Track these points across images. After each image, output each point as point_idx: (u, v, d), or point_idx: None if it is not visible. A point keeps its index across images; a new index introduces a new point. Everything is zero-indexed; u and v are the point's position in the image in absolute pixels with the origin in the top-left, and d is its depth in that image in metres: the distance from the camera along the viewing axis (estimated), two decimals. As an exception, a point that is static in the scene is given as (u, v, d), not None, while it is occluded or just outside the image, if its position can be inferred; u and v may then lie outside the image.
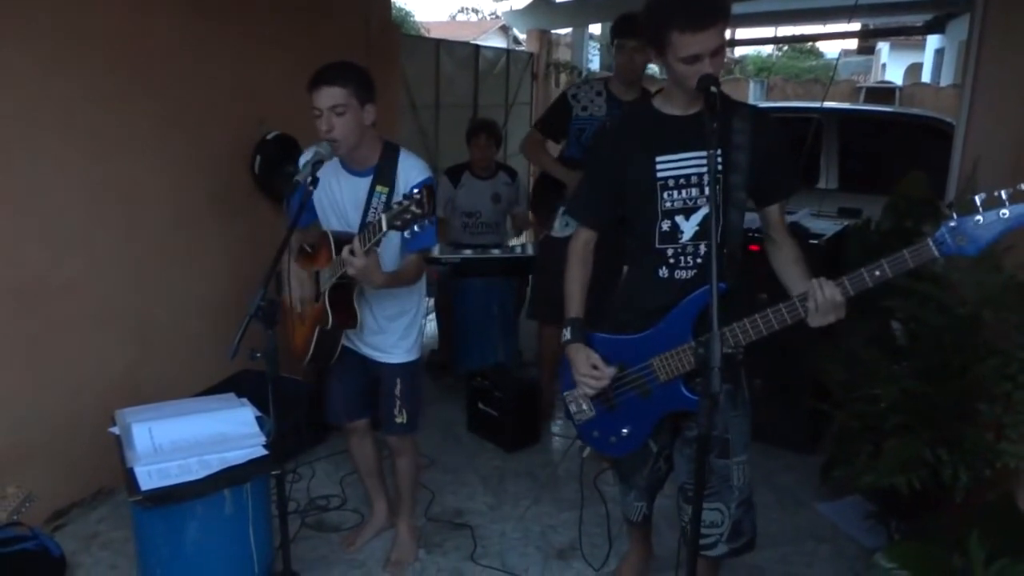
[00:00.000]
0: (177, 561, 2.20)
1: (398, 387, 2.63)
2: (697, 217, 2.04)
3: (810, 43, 25.75)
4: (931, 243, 1.69)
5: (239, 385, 3.21)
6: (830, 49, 33.56)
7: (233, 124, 3.58)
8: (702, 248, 2.04)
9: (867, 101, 10.81)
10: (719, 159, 1.83)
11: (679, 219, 2.04)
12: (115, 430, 2.30)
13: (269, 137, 3.71)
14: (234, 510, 2.21)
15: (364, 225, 2.37)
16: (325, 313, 2.37)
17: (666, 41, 1.89)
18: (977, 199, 1.66)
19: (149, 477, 2.05)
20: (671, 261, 2.05)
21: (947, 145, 4.83)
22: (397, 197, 2.35)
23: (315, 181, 2.22)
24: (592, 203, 2.21)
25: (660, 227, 2.05)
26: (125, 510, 3.06)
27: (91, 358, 3.09)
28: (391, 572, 2.76)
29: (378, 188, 2.41)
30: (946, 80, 13.76)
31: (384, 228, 2.07)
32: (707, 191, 2.01)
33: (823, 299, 1.77)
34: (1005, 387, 2.23)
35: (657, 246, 2.06)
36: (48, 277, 2.89)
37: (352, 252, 2.15)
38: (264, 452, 2.21)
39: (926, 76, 17.86)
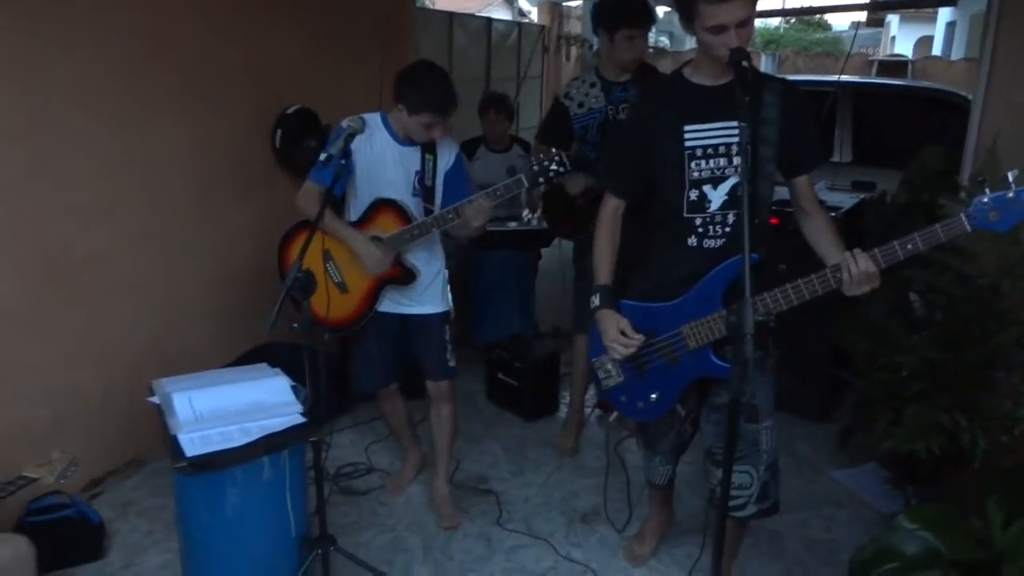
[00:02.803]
0: (217, 526, 2.26)
1: (447, 334, 2.84)
2: (725, 187, 2.07)
3: (818, 15, 25.49)
4: (964, 218, 1.73)
5: (264, 356, 3.25)
6: (838, 21, 33.14)
7: (252, 98, 3.61)
8: (730, 217, 2.08)
9: (879, 74, 10.76)
10: (742, 131, 1.87)
11: (707, 188, 2.08)
12: (154, 399, 2.36)
13: (290, 111, 3.74)
14: (272, 476, 2.27)
15: (424, 187, 2.68)
16: (404, 272, 2.67)
17: (693, 11, 1.91)
18: (1010, 175, 1.70)
19: (192, 444, 2.10)
20: (700, 230, 2.09)
21: (961, 119, 4.83)
22: (442, 161, 2.70)
23: (348, 154, 2.29)
24: (620, 171, 2.25)
25: (688, 196, 2.09)
26: (158, 479, 3.17)
27: (118, 329, 3.15)
28: (448, 525, 2.92)
29: (427, 155, 2.67)
30: (957, 54, 13.65)
31: (526, 184, 2.47)
32: (735, 161, 2.05)
33: (857, 271, 1.82)
34: (1023, 356, 2.28)
35: (685, 215, 2.10)
36: (73, 249, 2.94)
37: (478, 208, 2.47)
38: (302, 419, 2.26)
39: (936, 49, 17.70)
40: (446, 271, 2.88)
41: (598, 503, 3.07)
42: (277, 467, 2.28)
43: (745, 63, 1.87)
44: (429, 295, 2.80)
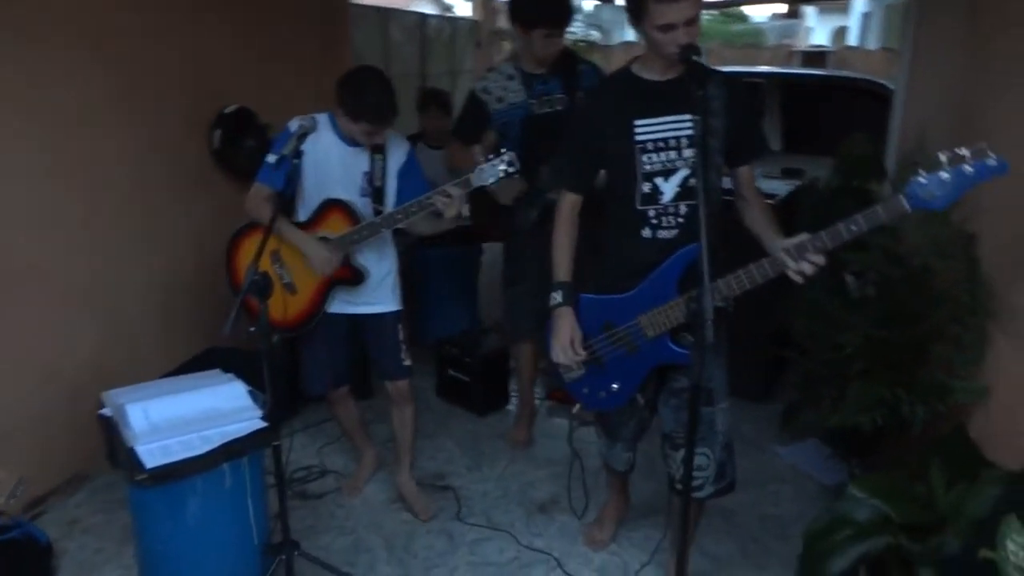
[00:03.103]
0: (179, 538, 2.22)
1: (400, 333, 2.84)
2: (676, 179, 2.13)
3: (737, 6, 26.19)
4: (903, 198, 1.82)
5: (208, 362, 3.20)
6: (756, 13, 34.10)
7: (189, 99, 3.52)
8: (683, 208, 2.14)
9: (803, 64, 11.12)
10: (696, 124, 1.93)
11: (659, 181, 2.14)
12: (107, 411, 2.29)
13: (228, 111, 3.66)
14: (233, 483, 2.24)
15: (372, 187, 2.67)
16: (353, 272, 2.65)
17: (642, 10, 1.97)
18: (943, 156, 1.79)
19: (152, 455, 2.06)
20: (653, 222, 2.15)
21: (882, 107, 5.06)
22: (391, 160, 2.69)
23: (299, 154, 2.28)
24: (575, 167, 2.28)
25: (641, 189, 2.14)
26: (103, 494, 3.08)
27: (57, 341, 3.04)
28: (424, 517, 2.94)
29: (376, 155, 2.66)
30: (872, 43, 14.21)
31: (474, 184, 2.44)
32: (685, 153, 2.11)
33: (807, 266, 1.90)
34: (955, 330, 2.41)
35: (639, 207, 2.15)
36: (8, 260, 2.83)
37: (449, 195, 2.45)
38: (263, 424, 2.24)
39: (852, 39, 18.38)
40: (397, 270, 2.87)
41: (555, 493, 3.12)
42: (238, 474, 2.25)
43: (696, 57, 1.92)
44: (380, 295, 2.79)
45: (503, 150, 2.46)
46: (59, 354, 3.04)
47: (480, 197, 3.10)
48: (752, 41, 20.63)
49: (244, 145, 3.69)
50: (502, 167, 2.43)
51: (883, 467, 2.66)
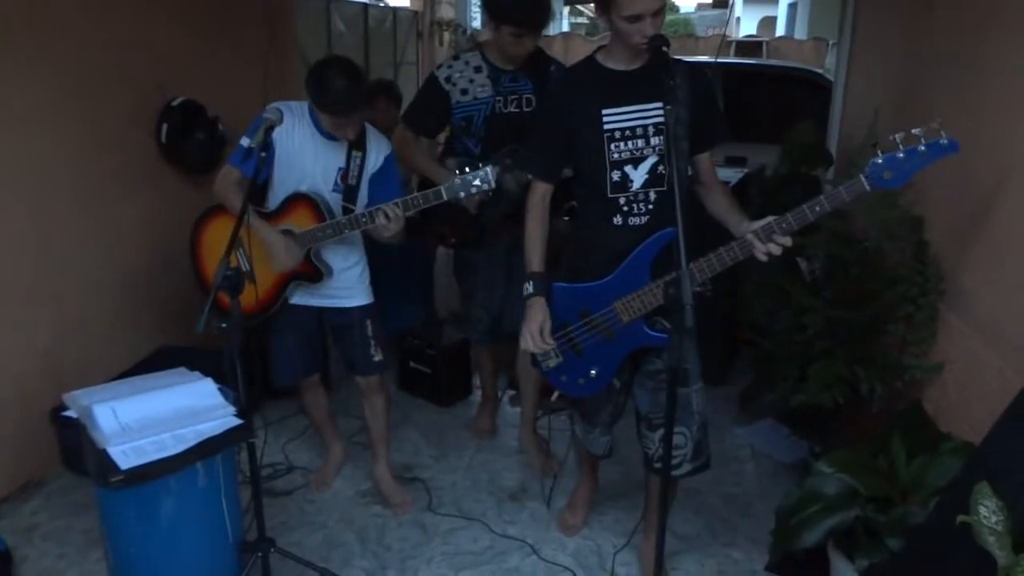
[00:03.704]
0: (151, 539, 2.17)
1: (369, 327, 2.78)
2: (645, 166, 2.18)
3: (669, -3, 26.62)
4: (862, 178, 1.90)
5: (161, 362, 3.13)
6: (685, 3, 34.71)
7: (134, 92, 3.41)
8: (652, 195, 2.18)
9: (737, 54, 11.39)
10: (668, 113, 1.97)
11: (628, 169, 2.18)
12: (71, 413, 2.22)
13: (174, 104, 3.56)
14: (207, 482, 2.20)
15: (347, 185, 2.59)
16: (313, 269, 2.59)
17: (610, 0, 2.00)
18: (897, 138, 1.88)
19: (125, 456, 1.99)
20: (624, 209, 2.19)
21: (818, 95, 5.23)
22: (370, 160, 2.61)
23: (267, 146, 2.24)
24: (545, 156, 2.31)
25: (611, 177, 2.18)
26: (59, 498, 2.99)
27: (3, 344, 2.91)
28: (401, 512, 2.92)
29: (354, 152, 2.59)
30: (800, 33, 14.62)
31: (445, 197, 2.35)
32: (652, 141, 2.16)
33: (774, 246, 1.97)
34: (908, 309, 2.52)
35: (609, 195, 2.19)
36: (-47, 260, 2.72)
37: (388, 217, 2.39)
38: (238, 421, 2.20)
39: (780, 29, 18.87)
40: (365, 262, 2.83)
41: (523, 480, 3.16)
42: (212, 472, 2.21)
43: (665, 48, 1.97)
44: (346, 289, 2.75)
45: (480, 165, 2.32)
46: (6, 356, 2.91)
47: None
48: (680, 31, 20.98)
49: (193, 138, 3.60)
50: (477, 183, 2.32)
51: (842, 444, 2.77)
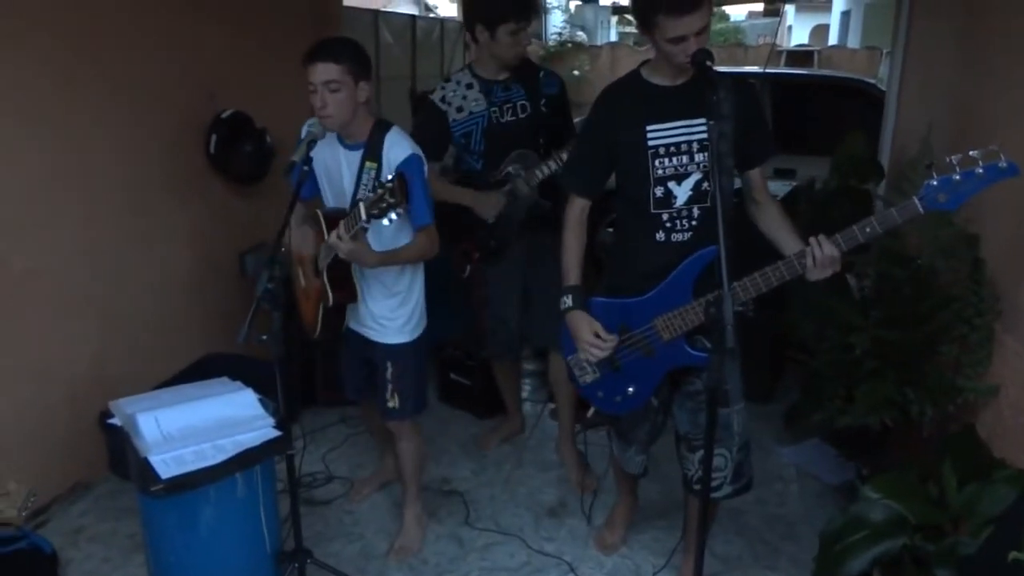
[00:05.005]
0: (191, 548, 2.20)
1: (389, 370, 2.57)
2: (689, 183, 2.14)
3: (718, 6, 26.37)
4: (916, 200, 1.84)
5: (206, 369, 3.18)
6: (735, 12, 34.33)
7: (184, 103, 3.48)
8: (696, 211, 2.15)
9: (788, 64, 11.22)
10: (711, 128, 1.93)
11: (671, 185, 2.15)
12: (115, 421, 2.27)
13: (224, 116, 3.63)
14: (246, 492, 2.22)
15: (355, 202, 2.36)
16: (325, 290, 2.40)
17: (653, 22, 1.98)
18: (954, 159, 1.82)
19: (166, 465, 2.03)
20: (667, 225, 2.16)
21: (871, 106, 5.10)
22: (384, 173, 2.34)
23: (309, 160, 2.25)
24: (586, 172, 2.29)
25: (654, 193, 2.15)
26: (106, 502, 3.05)
27: (56, 349, 2.99)
28: (395, 557, 2.74)
29: (367, 164, 2.40)
30: (853, 42, 14.33)
31: (363, 217, 2.09)
32: (696, 157, 2.12)
33: (821, 255, 1.91)
34: (962, 330, 2.44)
35: (652, 211, 2.16)
36: (7, 266, 2.78)
37: (339, 237, 2.19)
38: (277, 433, 2.22)
39: (832, 38, 18.53)
40: (422, 295, 2.65)
41: (562, 496, 3.13)
42: (251, 483, 2.23)
43: (709, 63, 1.93)
44: (376, 321, 2.54)
45: (389, 176, 2.07)
46: (58, 360, 3.00)
47: (459, 214, 2.93)
48: (730, 39, 20.76)
49: (241, 150, 3.67)
50: (389, 197, 2.02)
51: (890, 466, 2.68)
